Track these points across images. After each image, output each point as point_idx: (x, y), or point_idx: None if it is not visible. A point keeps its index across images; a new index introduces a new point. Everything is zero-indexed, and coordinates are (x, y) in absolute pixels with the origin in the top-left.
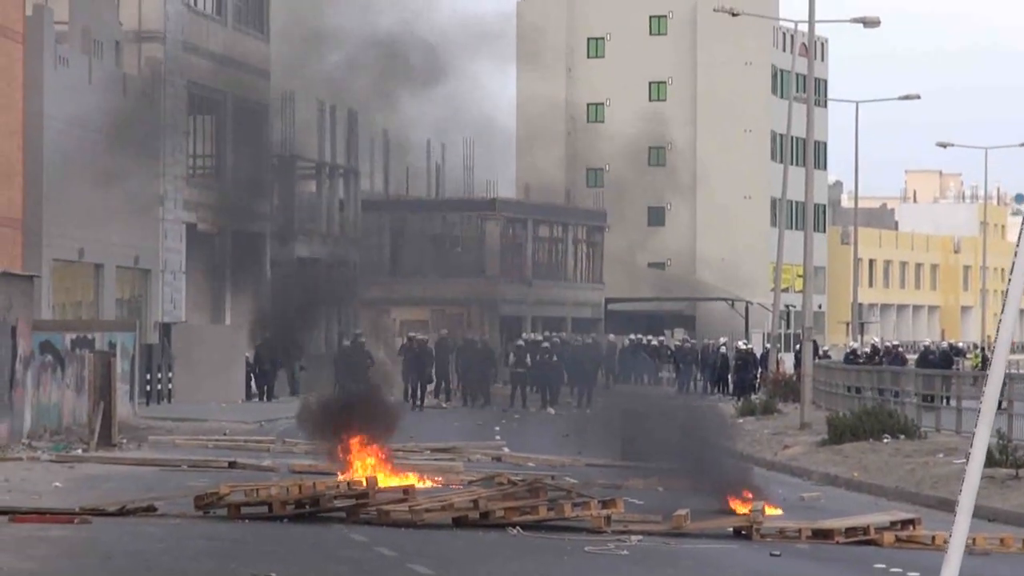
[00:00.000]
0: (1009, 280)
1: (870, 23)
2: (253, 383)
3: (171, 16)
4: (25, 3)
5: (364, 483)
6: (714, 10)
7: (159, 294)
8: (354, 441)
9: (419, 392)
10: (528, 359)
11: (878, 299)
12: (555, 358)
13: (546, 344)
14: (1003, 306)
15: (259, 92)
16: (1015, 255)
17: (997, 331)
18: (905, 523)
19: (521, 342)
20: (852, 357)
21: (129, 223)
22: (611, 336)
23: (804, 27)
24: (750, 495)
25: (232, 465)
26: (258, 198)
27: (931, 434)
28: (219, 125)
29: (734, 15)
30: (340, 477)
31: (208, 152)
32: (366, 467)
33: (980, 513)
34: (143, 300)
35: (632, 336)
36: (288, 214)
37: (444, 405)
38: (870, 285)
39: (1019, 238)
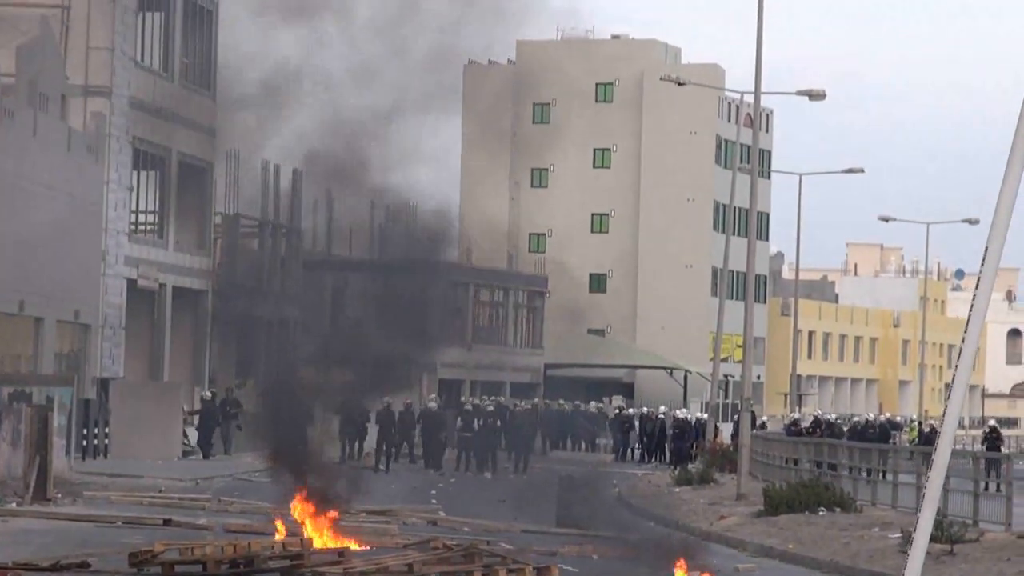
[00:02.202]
0: (955, 370)
1: (815, 96)
2: (193, 439)
3: (118, 71)
4: None
5: (299, 544)
6: (661, 79)
7: (98, 349)
8: (293, 503)
9: (389, 455)
10: (474, 423)
11: (817, 371)
12: (499, 423)
13: (491, 408)
14: (947, 397)
15: (204, 149)
16: (962, 342)
17: (943, 416)
18: None
19: (469, 406)
20: (793, 428)
21: (70, 277)
22: (546, 401)
23: (749, 98)
24: (684, 565)
25: (167, 523)
26: (200, 255)
27: (867, 508)
28: (163, 181)
29: (680, 84)
30: (276, 537)
31: (151, 208)
32: (303, 528)
33: None
34: (82, 355)
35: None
36: (230, 272)
37: (380, 467)
38: (809, 357)
39: (966, 325)
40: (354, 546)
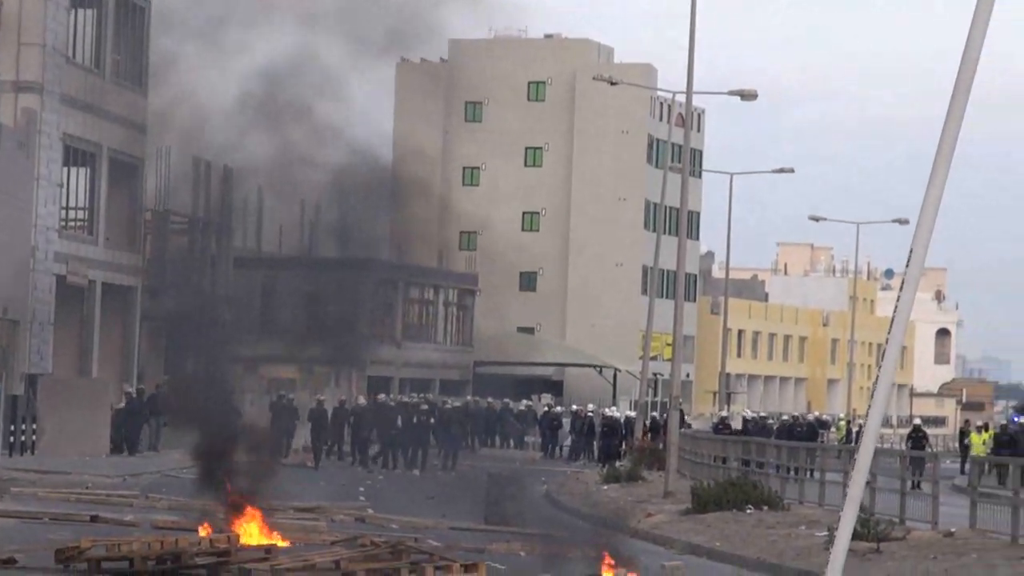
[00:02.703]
0: (879, 369)
1: (747, 96)
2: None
3: (49, 67)
4: None
5: (226, 541)
6: (593, 78)
7: (26, 345)
8: (221, 500)
9: (320, 452)
10: (399, 421)
11: (746, 369)
12: (429, 420)
13: (425, 406)
14: (871, 396)
15: (135, 146)
16: (886, 342)
17: (867, 415)
18: None
19: (398, 404)
20: (721, 427)
21: None
22: (476, 398)
23: (681, 98)
24: (612, 562)
25: (94, 519)
26: (130, 252)
27: (794, 506)
28: (93, 178)
29: (612, 84)
30: (202, 534)
31: (82, 204)
32: (231, 525)
33: None
34: (10, 351)
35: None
36: (159, 269)
37: (308, 464)
38: (738, 355)
39: (891, 325)
40: (281, 543)
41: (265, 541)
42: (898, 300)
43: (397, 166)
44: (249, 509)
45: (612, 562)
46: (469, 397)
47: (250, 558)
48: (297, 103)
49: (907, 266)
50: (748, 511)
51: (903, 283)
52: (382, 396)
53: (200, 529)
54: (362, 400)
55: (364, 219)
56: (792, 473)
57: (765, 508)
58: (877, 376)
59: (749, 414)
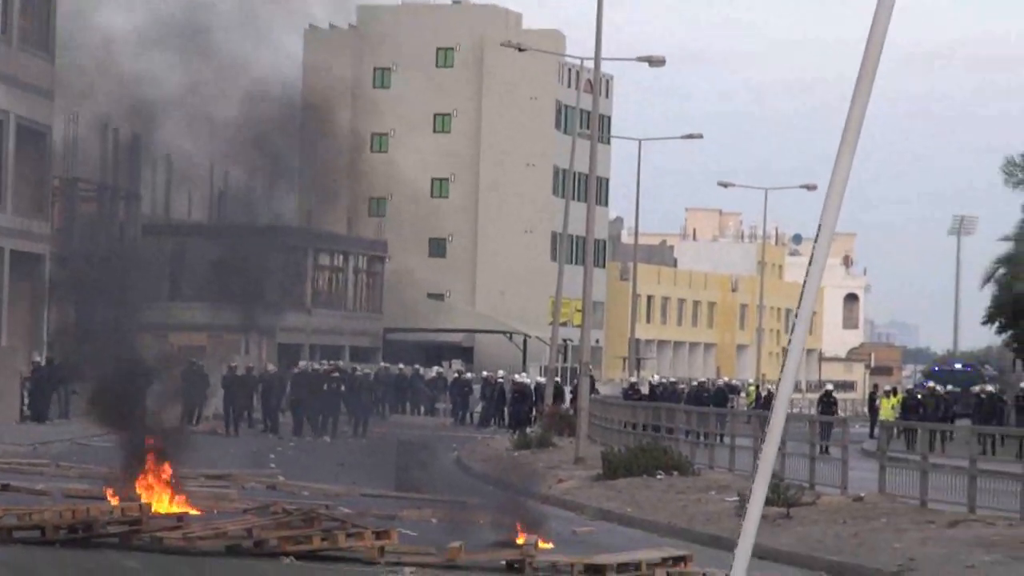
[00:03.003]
0: (791, 334)
1: (655, 62)
2: (27, 405)
3: None
4: None
5: (138, 509)
6: (501, 44)
7: None
8: (133, 468)
9: (234, 419)
10: (314, 387)
11: (655, 335)
12: (339, 387)
13: (336, 373)
14: (783, 362)
15: (42, 112)
16: (798, 307)
17: (779, 380)
18: (676, 559)
19: (308, 371)
20: (632, 393)
21: None
22: (386, 365)
23: (590, 64)
24: (524, 529)
25: (5, 488)
26: (38, 219)
27: (705, 471)
28: (0, 145)
29: (520, 50)
30: (113, 502)
31: None
32: (143, 493)
33: (752, 550)
34: None
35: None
36: (69, 237)
37: (219, 431)
38: (648, 321)
39: (802, 290)
40: (193, 511)
41: (177, 509)
42: (809, 265)
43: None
44: (160, 477)
45: (523, 529)
46: (380, 364)
47: (162, 526)
48: (203, 40)
49: (817, 232)
50: (658, 476)
51: (813, 252)
52: (304, 363)
53: (111, 498)
54: (272, 367)
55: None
56: (702, 438)
57: (675, 473)
58: (790, 339)
59: (657, 379)
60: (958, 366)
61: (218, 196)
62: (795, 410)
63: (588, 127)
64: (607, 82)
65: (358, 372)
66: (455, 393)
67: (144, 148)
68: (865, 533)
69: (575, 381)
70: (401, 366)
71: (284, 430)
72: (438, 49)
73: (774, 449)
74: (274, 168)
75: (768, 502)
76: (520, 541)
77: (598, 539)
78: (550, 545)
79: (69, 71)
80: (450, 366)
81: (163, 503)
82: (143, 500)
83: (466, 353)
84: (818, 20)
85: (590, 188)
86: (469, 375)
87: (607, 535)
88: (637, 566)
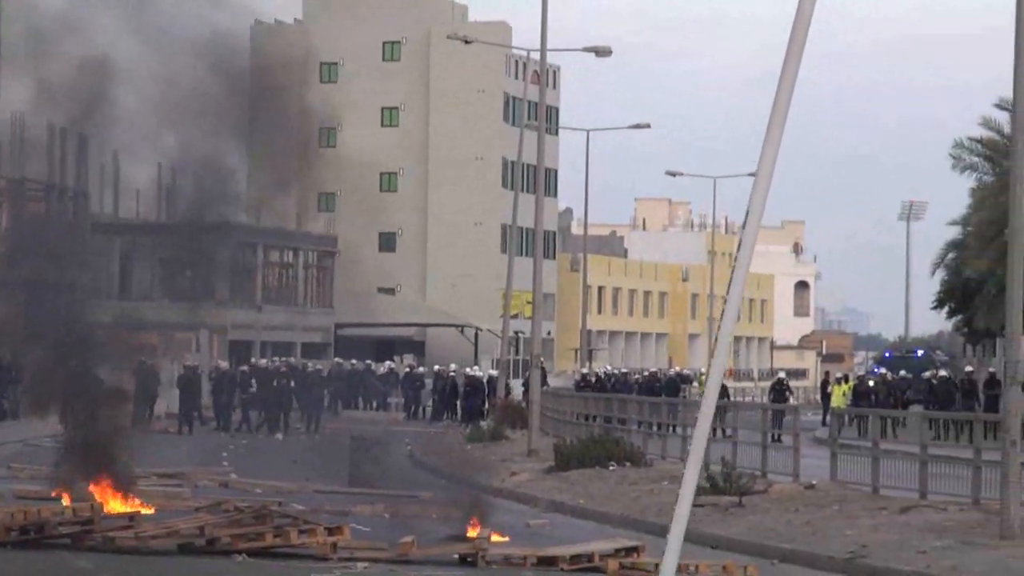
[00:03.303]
0: (720, 321)
1: (602, 53)
2: None
3: None
4: None
5: (90, 510)
6: (448, 37)
7: None
8: (86, 466)
9: (190, 418)
10: (266, 384)
11: (607, 326)
12: (292, 383)
13: (284, 369)
14: (711, 352)
15: None
16: (727, 293)
17: (708, 369)
18: (629, 550)
19: (260, 367)
20: (584, 384)
21: None
22: (339, 360)
23: (537, 55)
24: (477, 522)
25: None
26: None
27: (657, 461)
28: None
29: (466, 43)
30: (65, 503)
31: None
32: (93, 495)
33: (704, 540)
34: None
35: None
36: (16, 236)
37: (171, 429)
38: (599, 312)
39: (731, 278)
40: (145, 510)
41: (129, 509)
42: (737, 251)
43: (254, 123)
44: (112, 477)
45: (477, 522)
46: (332, 359)
47: (114, 526)
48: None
49: (743, 225)
50: (611, 468)
51: (740, 238)
52: (263, 361)
53: (63, 498)
54: (223, 364)
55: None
56: (655, 428)
57: (628, 464)
58: (719, 327)
59: (604, 370)
60: (910, 352)
61: (166, 194)
62: (748, 399)
63: (535, 119)
64: (554, 73)
65: (310, 368)
66: (407, 388)
67: (91, 143)
68: (817, 520)
69: (527, 373)
70: (353, 361)
71: (237, 427)
72: (384, 43)
73: (705, 433)
74: (223, 147)
75: (720, 491)
76: (472, 535)
77: (551, 531)
78: (503, 538)
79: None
80: (402, 361)
81: (115, 503)
82: (95, 500)
83: (418, 347)
84: (766, 10)
85: (538, 180)
86: (421, 369)
87: (560, 527)
88: (590, 558)
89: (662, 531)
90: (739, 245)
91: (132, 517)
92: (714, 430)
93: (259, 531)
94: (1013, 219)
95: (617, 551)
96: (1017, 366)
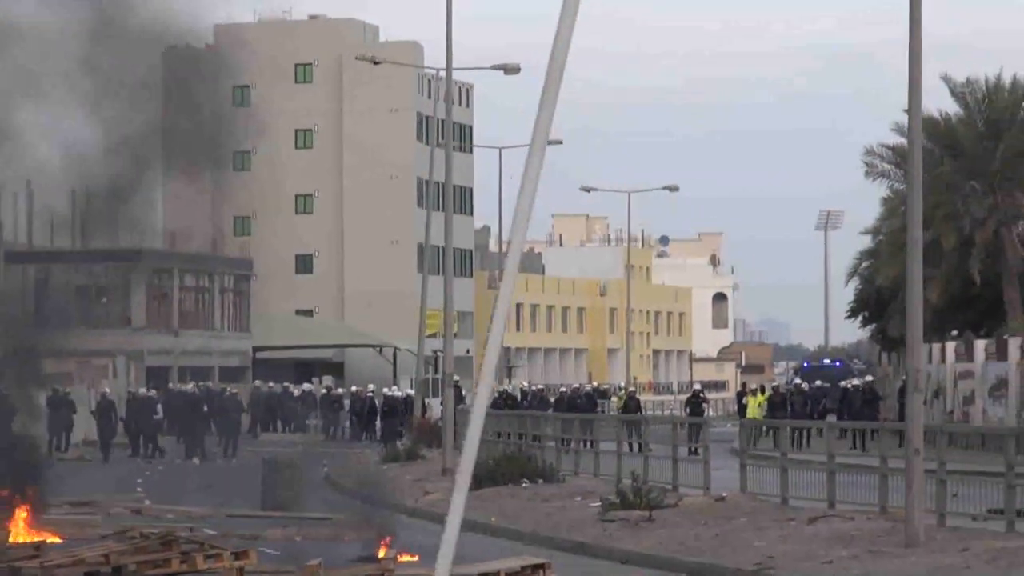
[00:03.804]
0: (488, 335)
1: (510, 70)
2: None
3: None
4: None
5: None
6: (356, 58)
7: None
8: None
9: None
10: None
11: (526, 343)
12: (205, 408)
13: (197, 392)
14: (479, 372)
15: None
16: (493, 309)
17: (475, 389)
18: (535, 567)
19: (175, 391)
20: (502, 402)
21: None
22: (258, 383)
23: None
24: (388, 543)
25: None
26: None
27: (570, 477)
28: None
29: (375, 63)
30: None
31: None
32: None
33: (613, 556)
34: None
35: (281, 384)
36: None
37: (87, 457)
38: (518, 329)
39: (499, 287)
40: (53, 539)
41: (35, 538)
42: (504, 264)
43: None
44: (19, 507)
45: (388, 543)
46: (251, 383)
47: (19, 556)
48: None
49: (508, 247)
50: (524, 485)
51: (507, 251)
52: (192, 385)
53: None
54: (143, 391)
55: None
56: (569, 444)
57: (540, 481)
58: (487, 340)
59: (525, 385)
60: (827, 361)
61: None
62: (668, 411)
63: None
64: (466, 91)
65: (226, 392)
66: (325, 409)
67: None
68: (726, 533)
69: (439, 395)
70: (271, 384)
71: (159, 452)
72: (296, 64)
73: (476, 435)
74: (136, 198)
75: (630, 505)
76: (381, 555)
77: (462, 550)
78: (413, 557)
79: None
80: (320, 382)
81: (22, 533)
82: (1, 530)
83: (337, 368)
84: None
85: (446, 197)
86: (340, 390)
87: (472, 545)
88: (496, 575)
89: (573, 547)
90: (507, 252)
91: (38, 546)
92: (628, 444)
93: (165, 557)
94: (911, 229)
95: (523, 568)
96: (918, 375)
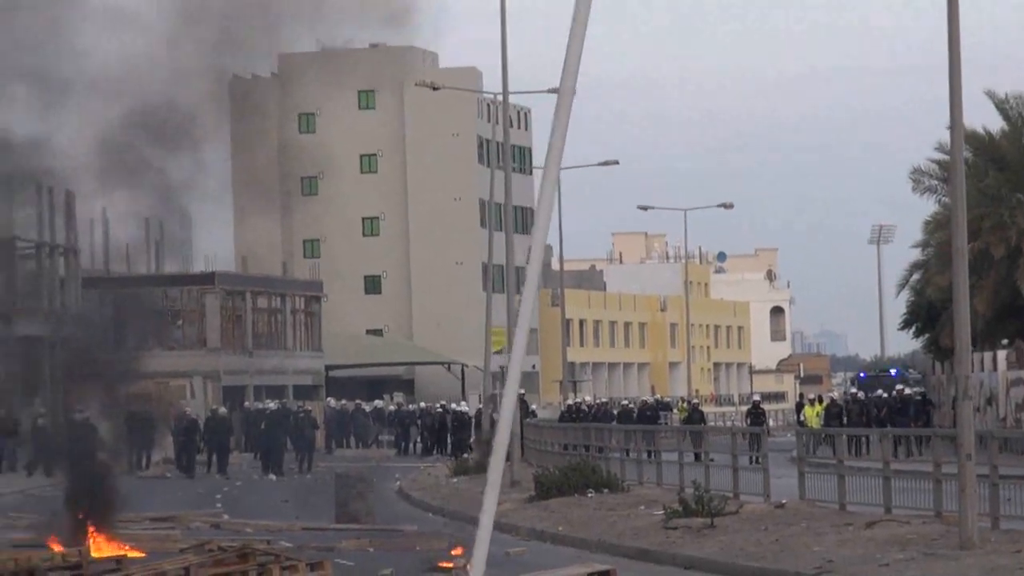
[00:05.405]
0: (511, 351)
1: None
2: None
3: None
4: None
5: (77, 555)
6: (416, 84)
7: None
8: (76, 515)
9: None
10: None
11: (589, 358)
12: (282, 425)
13: (273, 410)
14: (502, 380)
15: None
16: (515, 326)
17: (501, 401)
18: (601, 574)
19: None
20: (568, 415)
21: None
22: (331, 401)
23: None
24: (460, 552)
25: None
26: None
27: (634, 487)
28: None
29: (435, 89)
30: (55, 549)
31: None
32: (84, 539)
33: (676, 561)
34: None
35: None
36: (9, 294)
37: (168, 474)
38: (581, 344)
39: (520, 303)
40: (134, 554)
41: (116, 553)
42: (522, 292)
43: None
44: (102, 523)
45: (461, 552)
46: (324, 400)
47: (101, 570)
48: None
49: (528, 260)
50: (589, 495)
51: (526, 277)
52: (262, 404)
53: (52, 544)
54: (222, 410)
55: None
56: (633, 455)
57: (605, 491)
58: (510, 357)
59: (590, 399)
60: (884, 371)
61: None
62: (729, 423)
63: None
64: (525, 115)
65: (301, 410)
66: (396, 425)
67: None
68: (785, 538)
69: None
70: (344, 401)
71: (232, 470)
72: (360, 92)
73: (505, 437)
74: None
75: (692, 512)
76: (448, 565)
77: (530, 559)
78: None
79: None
80: (391, 399)
81: (105, 548)
82: (84, 546)
83: (407, 385)
84: (728, 51)
85: (506, 218)
86: (410, 407)
87: (539, 554)
88: None
89: (637, 554)
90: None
91: (119, 561)
92: (694, 455)
93: (242, 569)
94: (955, 240)
95: (590, 574)
96: (967, 382)
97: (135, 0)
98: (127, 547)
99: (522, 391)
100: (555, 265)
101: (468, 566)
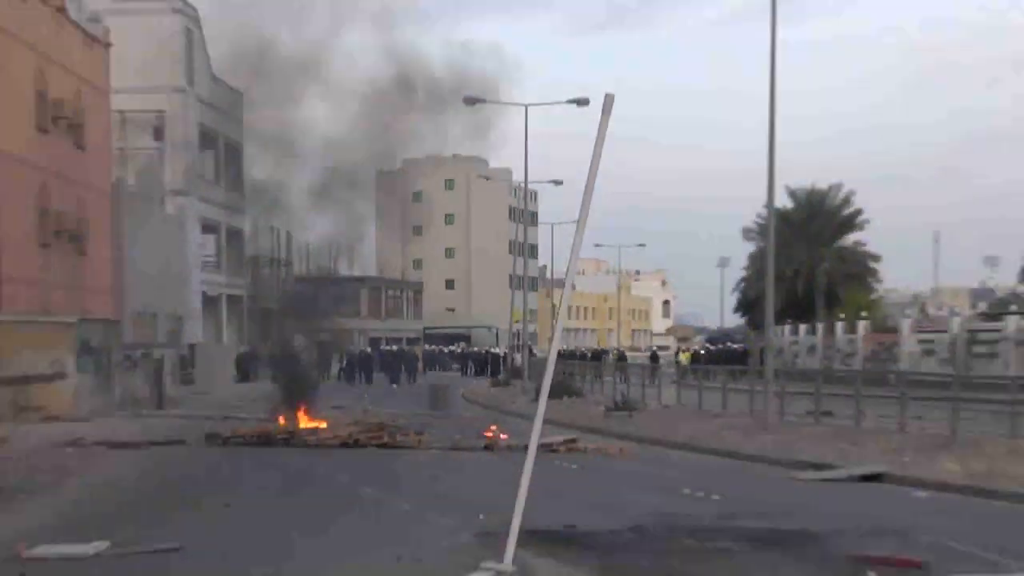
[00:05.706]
0: (554, 324)
1: (558, 183)
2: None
3: (193, 181)
4: None
5: (292, 425)
6: (477, 176)
7: (187, 328)
8: (291, 403)
9: (353, 376)
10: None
11: (566, 326)
12: (400, 358)
13: (395, 350)
14: (550, 339)
15: (239, 220)
16: (557, 312)
17: (550, 347)
18: (570, 439)
19: (383, 349)
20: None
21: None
22: (426, 346)
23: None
24: (495, 427)
25: (226, 418)
26: (239, 277)
27: (589, 395)
28: (218, 239)
29: (487, 179)
30: (281, 422)
31: (211, 253)
32: (295, 418)
33: (612, 434)
34: (178, 331)
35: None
36: (256, 286)
37: (339, 382)
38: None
39: (561, 301)
40: (322, 426)
41: (313, 425)
42: (563, 291)
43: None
44: (307, 409)
45: (495, 428)
46: (424, 346)
47: (306, 434)
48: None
49: (567, 272)
50: (564, 399)
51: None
52: (393, 347)
53: (279, 420)
54: (367, 349)
55: (361, 252)
56: (588, 377)
57: (574, 397)
58: (556, 321)
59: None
60: (724, 335)
61: (333, 259)
62: (637, 361)
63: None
64: (535, 193)
65: (410, 351)
66: (461, 359)
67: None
68: (670, 423)
69: (522, 351)
70: (433, 346)
71: (373, 382)
72: (446, 180)
73: (550, 373)
74: (364, 228)
75: (620, 409)
76: (489, 434)
77: (526, 430)
78: (507, 435)
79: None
80: (459, 346)
81: (306, 422)
82: (295, 421)
83: (466, 338)
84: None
85: (525, 256)
86: (470, 349)
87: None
88: (550, 445)
89: (590, 430)
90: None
91: (315, 430)
92: (622, 376)
93: (380, 435)
94: (768, 266)
95: (565, 440)
96: (770, 342)
97: (340, 95)
98: (319, 421)
99: (529, 343)
100: (548, 275)
101: (502, 435)
